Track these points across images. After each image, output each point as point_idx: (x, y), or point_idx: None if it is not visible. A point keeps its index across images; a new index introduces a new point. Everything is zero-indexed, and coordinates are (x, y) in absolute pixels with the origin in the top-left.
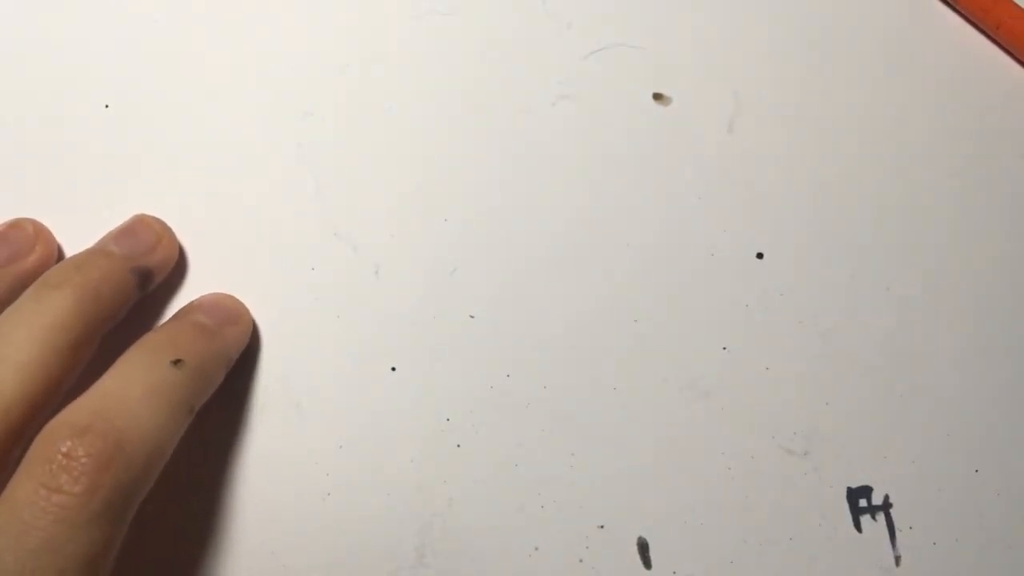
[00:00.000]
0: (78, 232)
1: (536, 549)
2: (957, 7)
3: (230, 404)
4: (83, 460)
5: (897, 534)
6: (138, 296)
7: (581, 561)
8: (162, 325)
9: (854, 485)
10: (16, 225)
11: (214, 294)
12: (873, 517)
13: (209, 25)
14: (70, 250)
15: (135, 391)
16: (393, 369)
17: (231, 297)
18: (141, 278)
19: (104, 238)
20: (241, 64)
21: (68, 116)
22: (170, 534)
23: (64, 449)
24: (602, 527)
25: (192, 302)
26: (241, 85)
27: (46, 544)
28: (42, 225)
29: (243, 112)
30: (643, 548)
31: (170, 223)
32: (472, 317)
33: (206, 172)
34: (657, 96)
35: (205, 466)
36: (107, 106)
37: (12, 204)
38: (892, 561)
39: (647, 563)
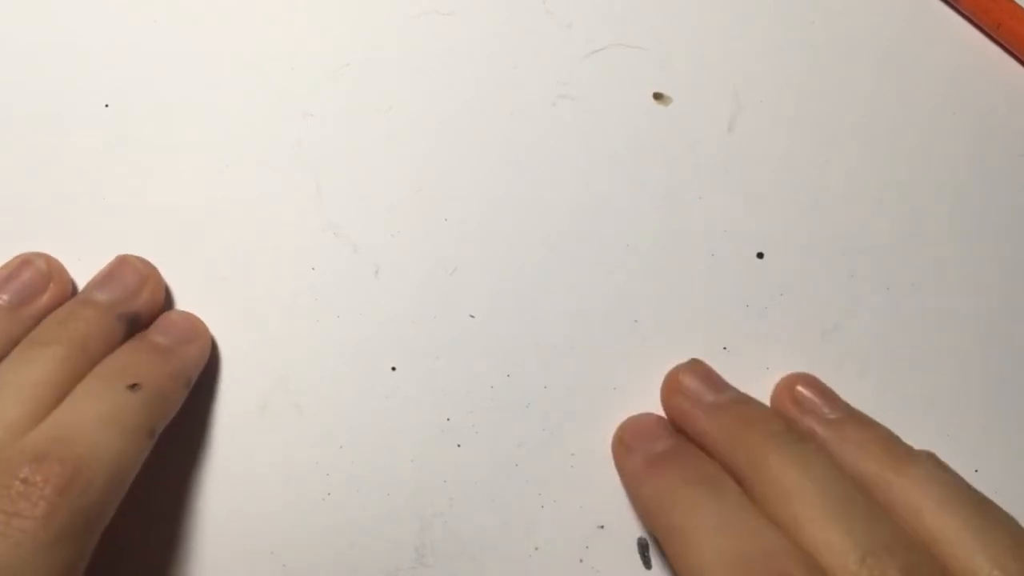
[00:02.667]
0: (77, 231)
1: (536, 549)
2: (957, 7)
3: (230, 405)
4: (41, 485)
5: None
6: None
7: (581, 561)
8: (119, 350)
9: None
10: (28, 261)
11: (171, 312)
12: None
13: (209, 25)
14: (69, 248)
15: (92, 417)
16: (393, 369)
17: (188, 315)
18: (128, 324)
19: (88, 285)
20: (241, 64)
21: (68, 116)
22: (170, 534)
23: (22, 475)
24: (602, 527)
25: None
26: (241, 85)
27: (7, 569)
28: (55, 260)
29: (243, 112)
30: (643, 548)
31: (170, 223)
32: (472, 317)
33: (206, 172)
34: (657, 96)
35: (205, 466)
36: (107, 106)
37: (11, 203)
38: None
39: (647, 563)
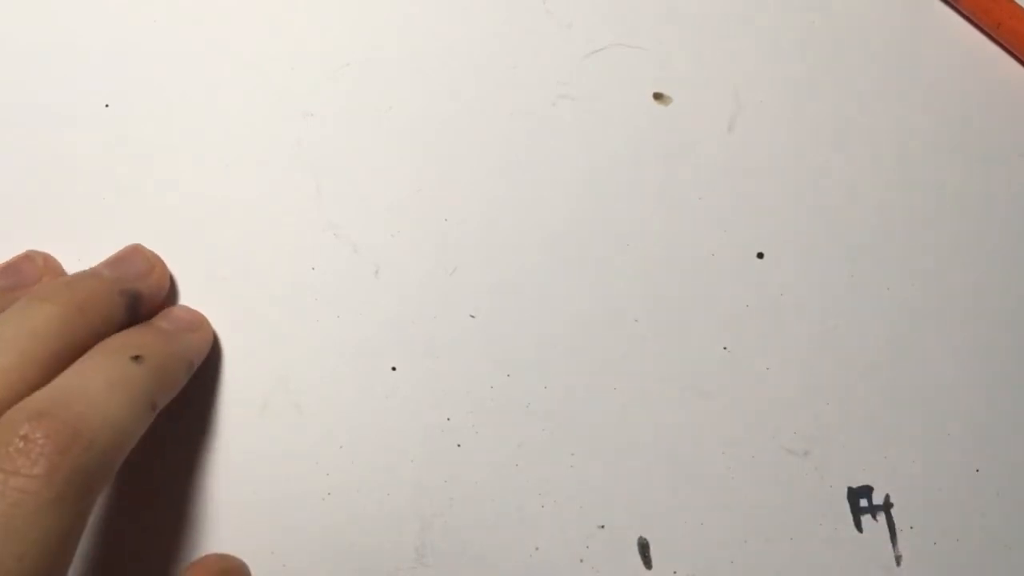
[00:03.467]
0: (77, 232)
1: (536, 549)
2: (957, 7)
3: (230, 404)
4: (41, 442)
5: (898, 534)
6: (127, 319)
7: (581, 561)
8: (121, 332)
9: (855, 485)
10: (28, 257)
11: (173, 307)
12: (874, 517)
13: (209, 25)
14: (70, 248)
15: (95, 382)
16: (393, 369)
17: (191, 309)
18: (130, 300)
19: (98, 265)
20: (241, 64)
21: (68, 116)
22: (170, 534)
23: (22, 432)
24: (602, 527)
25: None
26: (241, 85)
27: (4, 528)
28: (53, 259)
29: (243, 112)
30: (643, 548)
31: (170, 223)
32: (472, 317)
33: (206, 172)
34: (657, 96)
35: (205, 466)
36: (107, 106)
37: (12, 203)
38: (893, 561)
39: (647, 563)
